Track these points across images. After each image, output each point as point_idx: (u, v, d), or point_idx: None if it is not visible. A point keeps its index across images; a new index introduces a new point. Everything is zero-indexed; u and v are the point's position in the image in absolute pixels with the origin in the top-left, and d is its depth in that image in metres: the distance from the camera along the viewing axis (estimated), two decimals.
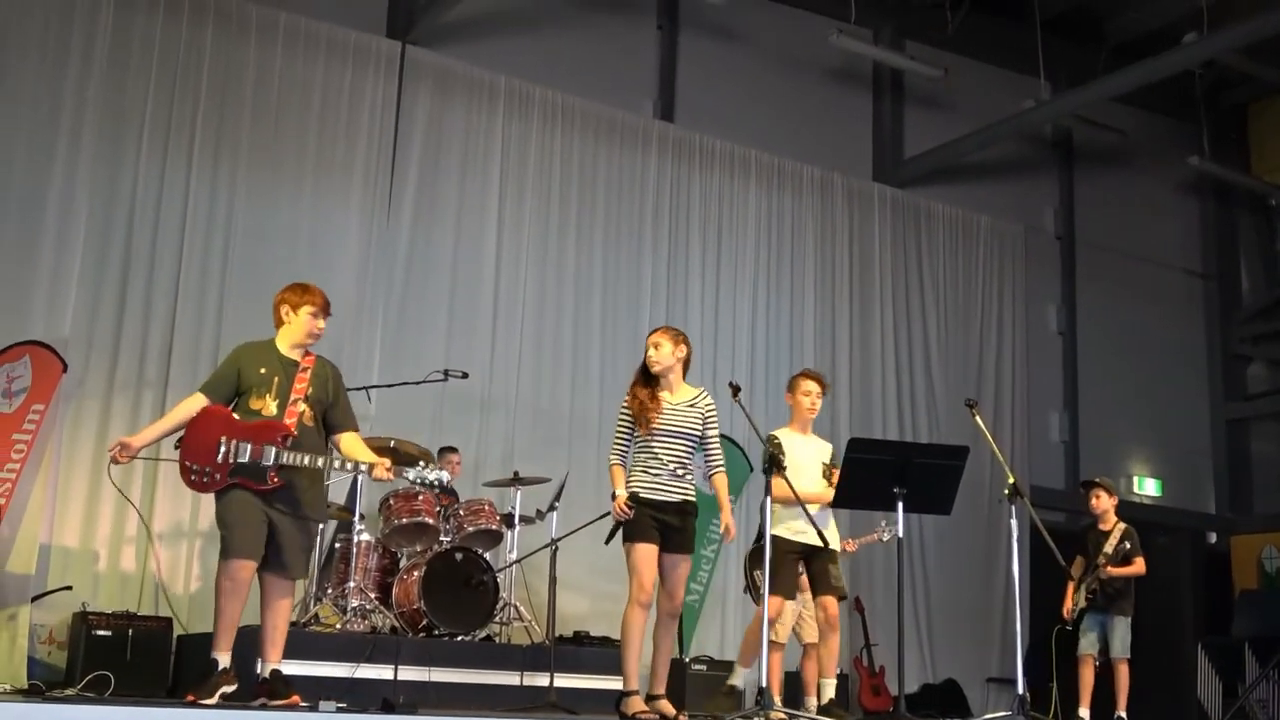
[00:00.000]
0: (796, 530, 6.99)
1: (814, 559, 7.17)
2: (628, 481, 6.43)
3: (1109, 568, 8.71)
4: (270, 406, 5.84)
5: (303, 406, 5.88)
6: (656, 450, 6.42)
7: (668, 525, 6.38)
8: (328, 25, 9.94)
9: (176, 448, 5.88)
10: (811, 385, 7.52)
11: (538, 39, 11.26)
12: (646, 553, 6.34)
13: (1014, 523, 6.99)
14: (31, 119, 8.70)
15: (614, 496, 6.41)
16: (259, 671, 5.77)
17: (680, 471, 6.45)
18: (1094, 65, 13.18)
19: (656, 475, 6.40)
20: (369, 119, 10.02)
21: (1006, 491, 7.14)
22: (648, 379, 6.54)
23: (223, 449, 5.71)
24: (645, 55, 11.96)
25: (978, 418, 7.11)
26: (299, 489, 5.86)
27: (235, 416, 5.82)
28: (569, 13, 11.50)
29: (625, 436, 6.52)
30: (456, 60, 10.56)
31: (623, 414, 6.57)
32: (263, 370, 5.89)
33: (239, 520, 5.69)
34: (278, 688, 5.67)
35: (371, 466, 5.84)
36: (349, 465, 5.95)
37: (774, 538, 6.92)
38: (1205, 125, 14.22)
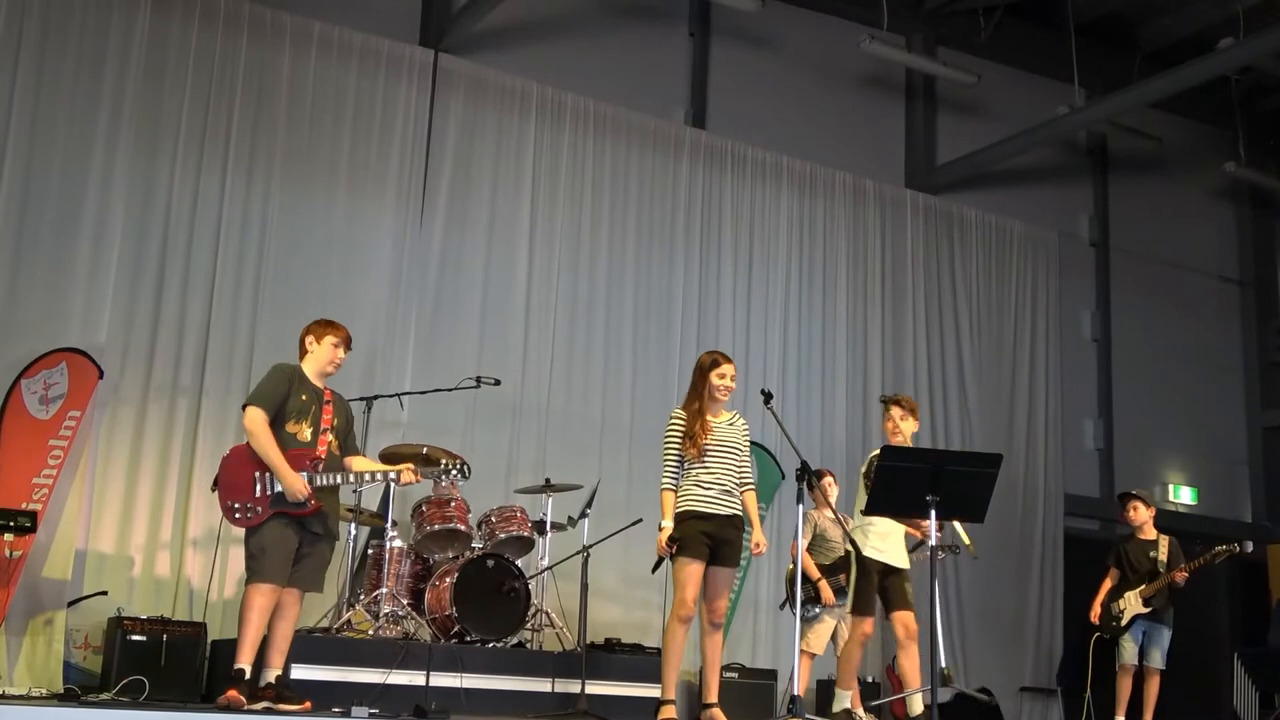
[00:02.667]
0: (877, 549, 7.21)
1: (891, 576, 7.31)
2: (679, 499, 6.58)
3: (1181, 574, 8.69)
4: (306, 433, 6.22)
5: (330, 437, 6.32)
6: (711, 466, 6.61)
7: (717, 539, 6.56)
8: (361, 34, 9.99)
9: (214, 490, 6.23)
10: (894, 410, 7.63)
11: (569, 46, 11.28)
12: (694, 569, 6.53)
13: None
14: (67, 128, 8.77)
15: (661, 528, 6.58)
16: (264, 677, 5.97)
17: (729, 486, 6.62)
18: (1128, 71, 13.09)
19: (709, 490, 6.59)
20: (402, 126, 10.06)
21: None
22: (694, 403, 6.73)
23: (259, 484, 6.07)
24: (677, 62, 11.96)
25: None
26: (327, 509, 6.28)
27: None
28: (601, 20, 11.52)
29: (676, 460, 6.68)
30: (489, 68, 10.59)
31: (672, 438, 6.73)
32: (304, 398, 6.27)
33: (274, 547, 6.04)
34: (284, 692, 5.88)
35: (399, 473, 6.38)
36: (379, 476, 6.49)
37: (862, 557, 7.15)
38: (1241, 131, 14.09)
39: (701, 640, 6.80)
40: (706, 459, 6.59)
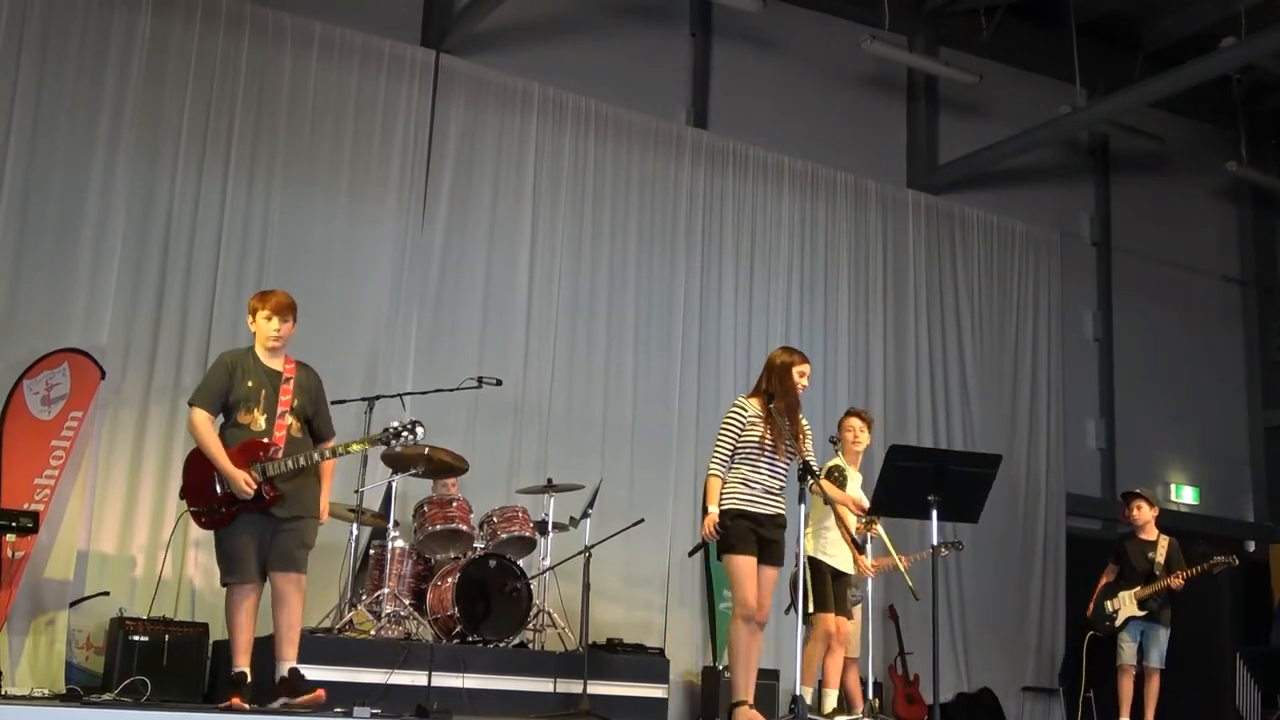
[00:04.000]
0: (828, 554, 7.55)
1: (837, 580, 7.60)
2: (724, 495, 6.51)
3: (1177, 580, 8.70)
4: (259, 421, 6.00)
5: (290, 419, 6.04)
6: (774, 464, 6.56)
7: (764, 539, 6.50)
8: (362, 35, 9.99)
9: (182, 498, 6.09)
10: (853, 422, 7.95)
11: (571, 47, 11.29)
12: (748, 565, 6.46)
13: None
14: (69, 130, 8.77)
15: (705, 511, 6.53)
16: (278, 672, 5.85)
17: (778, 487, 6.57)
18: (1130, 71, 13.08)
19: (763, 488, 6.52)
20: (403, 127, 10.06)
21: (865, 521, 7.29)
22: (762, 397, 6.69)
23: (216, 484, 5.89)
24: (678, 62, 11.96)
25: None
26: (293, 493, 6.00)
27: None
28: (602, 21, 11.52)
29: (730, 449, 6.59)
30: (490, 69, 10.60)
31: (731, 425, 6.63)
32: (250, 384, 6.03)
33: (234, 547, 5.90)
34: (298, 685, 5.74)
35: (347, 445, 6.18)
36: (340, 450, 6.16)
37: (815, 559, 7.43)
38: (1243, 130, 14.09)
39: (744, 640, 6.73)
40: (767, 456, 6.52)
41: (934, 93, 13.27)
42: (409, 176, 10.02)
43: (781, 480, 6.61)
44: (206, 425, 5.96)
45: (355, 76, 9.94)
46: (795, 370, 6.69)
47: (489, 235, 10.30)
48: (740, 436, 6.56)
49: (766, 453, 6.54)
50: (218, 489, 5.87)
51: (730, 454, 6.57)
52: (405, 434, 6.16)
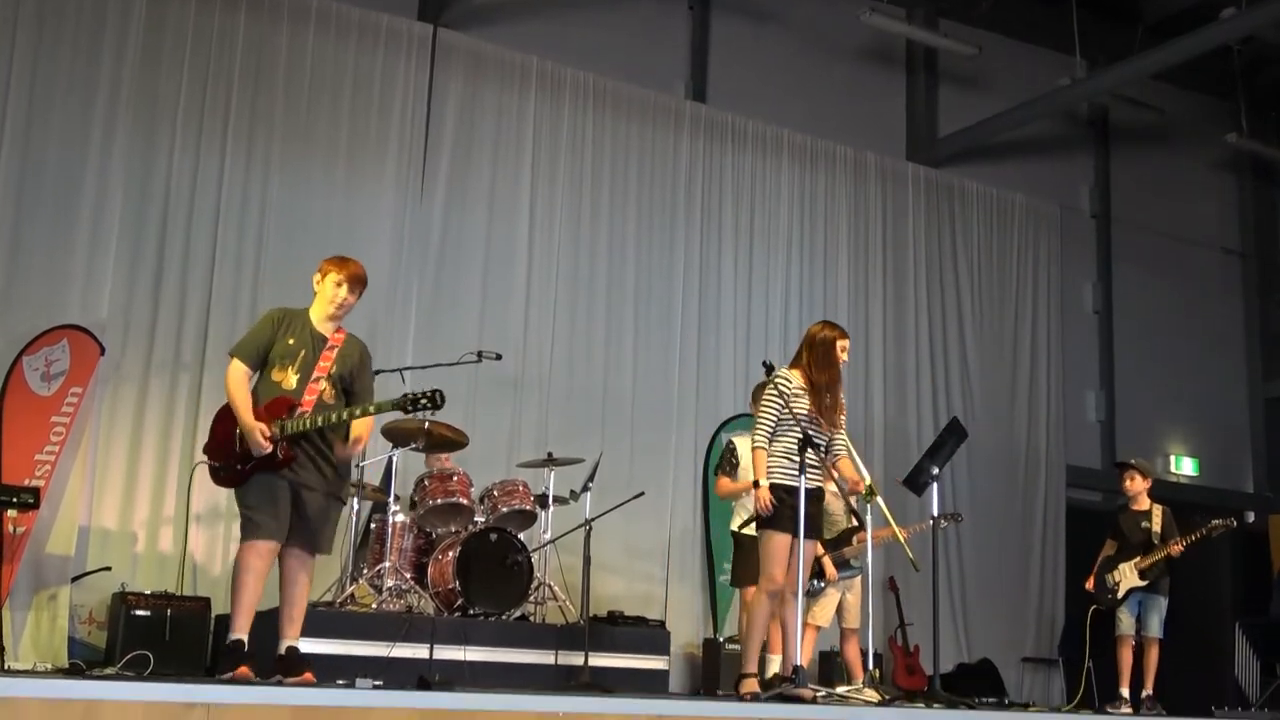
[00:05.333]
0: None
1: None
2: (770, 469, 6.52)
3: (1177, 547, 8.71)
4: (291, 380, 5.83)
5: (324, 385, 5.86)
6: (813, 439, 6.47)
7: (803, 513, 6.42)
8: (359, 9, 9.96)
9: (205, 451, 5.93)
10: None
11: (569, 21, 11.24)
12: (782, 543, 6.47)
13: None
14: (66, 106, 8.76)
15: (756, 484, 6.52)
16: (279, 649, 5.79)
17: (818, 460, 6.55)
18: (1130, 42, 13.03)
19: (803, 462, 6.43)
20: (401, 102, 10.04)
21: (865, 493, 7.19)
22: (810, 371, 6.66)
23: (237, 441, 5.72)
24: (677, 36, 11.92)
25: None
26: (323, 466, 5.84)
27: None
28: None
29: (774, 419, 6.57)
30: (488, 43, 10.57)
31: (774, 398, 6.60)
32: (291, 341, 5.87)
33: (263, 501, 5.69)
34: (295, 664, 5.69)
35: (366, 408, 5.89)
36: (333, 418, 5.82)
37: (738, 534, 7.56)
38: (1243, 102, 14.04)
39: (781, 609, 6.76)
40: (809, 431, 6.47)
41: (933, 65, 13.24)
42: (407, 151, 10.00)
43: (821, 454, 6.62)
44: (238, 378, 5.79)
45: (352, 51, 9.91)
46: (839, 345, 6.71)
47: (488, 210, 10.29)
48: (784, 410, 6.54)
49: (812, 427, 6.51)
50: (238, 446, 5.71)
51: (774, 426, 6.56)
52: (425, 402, 6.00)
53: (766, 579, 6.50)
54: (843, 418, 6.78)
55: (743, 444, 7.42)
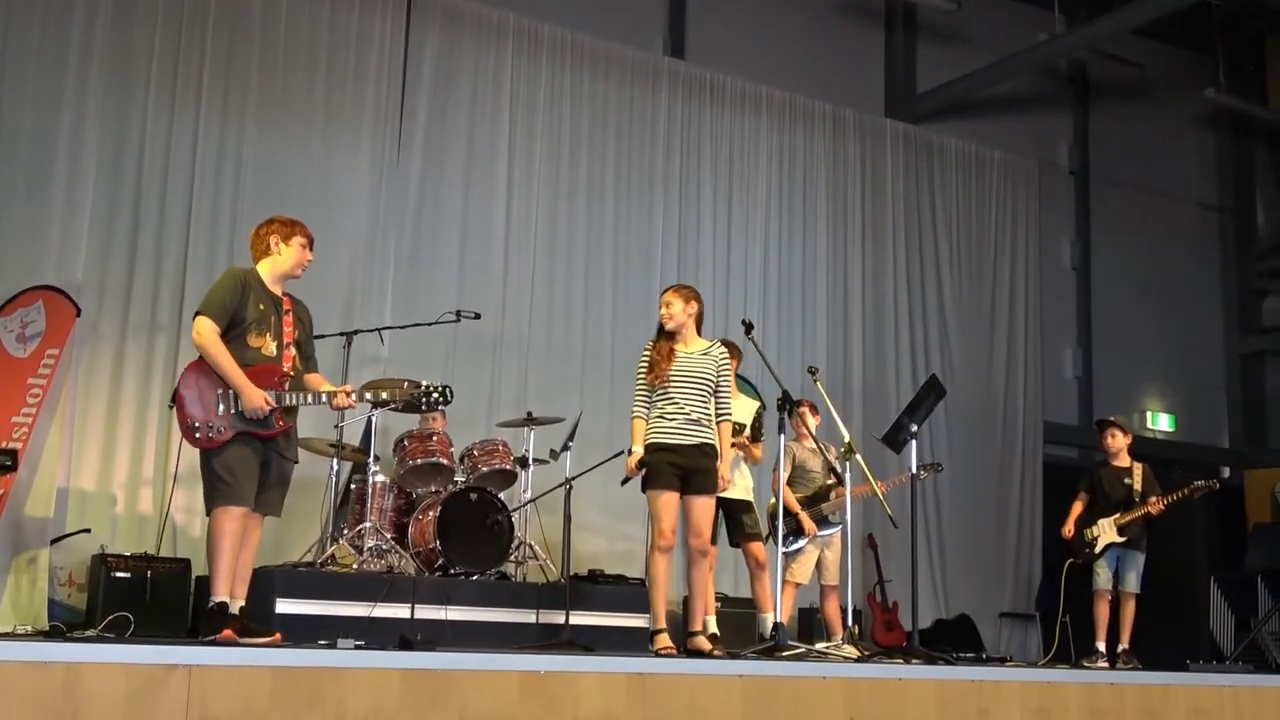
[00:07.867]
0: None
1: (730, 509, 7.64)
2: (649, 431, 6.67)
3: (1157, 504, 8.77)
4: (270, 347, 5.81)
5: (293, 351, 5.89)
6: (674, 397, 6.66)
7: (688, 469, 6.61)
8: None
9: (171, 407, 5.87)
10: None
11: None
12: (666, 500, 6.60)
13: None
14: (38, 66, 8.64)
15: (629, 452, 6.73)
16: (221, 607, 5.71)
17: (696, 416, 6.66)
18: None
19: (673, 420, 6.64)
20: (377, 59, 9.94)
21: (843, 450, 7.43)
22: (664, 335, 6.82)
23: (222, 402, 5.66)
24: None
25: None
26: (292, 433, 5.92)
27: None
28: None
29: (645, 390, 6.78)
30: None
31: (640, 368, 6.82)
32: (261, 307, 5.81)
33: (241, 469, 5.66)
34: (250, 625, 5.68)
35: (333, 395, 5.87)
36: (323, 398, 5.88)
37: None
38: (1222, 57, 14.03)
39: (687, 568, 6.90)
40: (670, 389, 6.65)
41: (912, 21, 13.19)
42: (383, 110, 9.92)
43: (696, 406, 6.67)
44: (216, 337, 5.65)
45: (327, 9, 9.80)
46: (662, 301, 6.92)
47: (465, 168, 10.23)
48: (649, 374, 6.77)
49: (673, 385, 6.68)
50: (220, 407, 5.62)
51: (646, 395, 6.78)
52: (436, 396, 6.03)
53: (657, 534, 6.63)
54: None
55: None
